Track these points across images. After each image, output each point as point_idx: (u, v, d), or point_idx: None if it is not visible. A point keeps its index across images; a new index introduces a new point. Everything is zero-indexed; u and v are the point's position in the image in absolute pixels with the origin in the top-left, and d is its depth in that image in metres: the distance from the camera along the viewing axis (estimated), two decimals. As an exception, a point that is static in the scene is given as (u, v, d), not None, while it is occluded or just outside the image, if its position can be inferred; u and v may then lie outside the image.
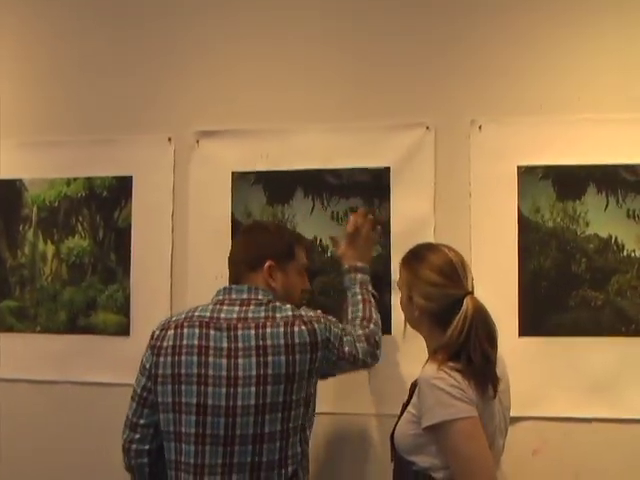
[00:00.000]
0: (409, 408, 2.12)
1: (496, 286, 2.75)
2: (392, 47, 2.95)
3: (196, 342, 2.19)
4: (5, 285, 3.22)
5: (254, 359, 2.14)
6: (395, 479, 2.19)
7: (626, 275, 2.76)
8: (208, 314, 2.25)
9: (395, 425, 2.17)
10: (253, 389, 2.13)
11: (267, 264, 2.32)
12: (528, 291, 2.80)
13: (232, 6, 3.10)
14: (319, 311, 2.34)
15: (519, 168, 2.83)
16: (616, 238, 2.78)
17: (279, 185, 3.00)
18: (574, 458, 2.77)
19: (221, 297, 2.31)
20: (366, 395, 2.91)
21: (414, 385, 2.13)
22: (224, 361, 2.16)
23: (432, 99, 2.92)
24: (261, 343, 2.16)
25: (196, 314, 2.27)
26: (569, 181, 2.80)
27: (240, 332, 2.18)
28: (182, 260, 3.07)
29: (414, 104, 2.93)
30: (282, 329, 2.18)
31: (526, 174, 2.82)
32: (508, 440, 2.26)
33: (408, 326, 2.38)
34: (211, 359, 2.17)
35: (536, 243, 2.81)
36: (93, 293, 3.13)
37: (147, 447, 2.30)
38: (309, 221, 2.97)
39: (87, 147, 3.16)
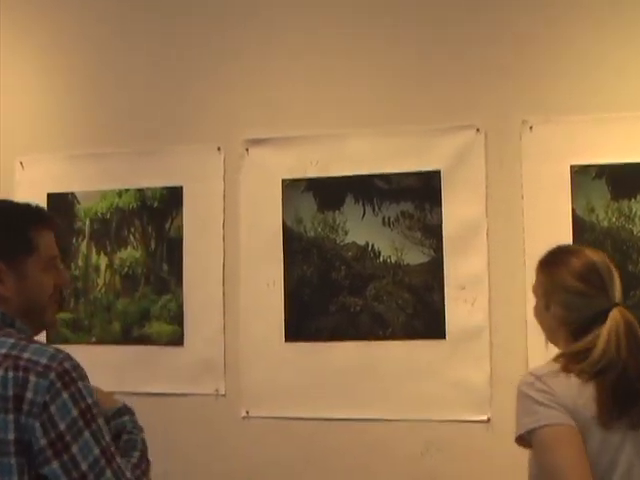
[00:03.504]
0: None
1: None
2: (441, 49, 2.94)
3: None
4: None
5: None
6: None
7: (685, 274, 2.71)
8: None
9: None
10: None
11: None
12: (584, 292, 2.75)
13: (277, 16, 3.11)
14: (73, 361, 1.56)
15: (572, 167, 2.79)
16: (673, 237, 2.73)
17: (329, 191, 3.00)
18: None
19: None
20: (414, 401, 2.88)
21: None
22: None
23: (482, 101, 2.90)
24: None
25: None
26: (624, 179, 2.76)
27: None
28: (234, 269, 3.07)
29: (464, 106, 2.91)
30: None
31: (579, 174, 2.79)
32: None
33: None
34: None
35: (591, 243, 2.76)
36: (146, 304, 3.16)
37: None
38: (360, 227, 2.96)
39: (137, 158, 3.20)
